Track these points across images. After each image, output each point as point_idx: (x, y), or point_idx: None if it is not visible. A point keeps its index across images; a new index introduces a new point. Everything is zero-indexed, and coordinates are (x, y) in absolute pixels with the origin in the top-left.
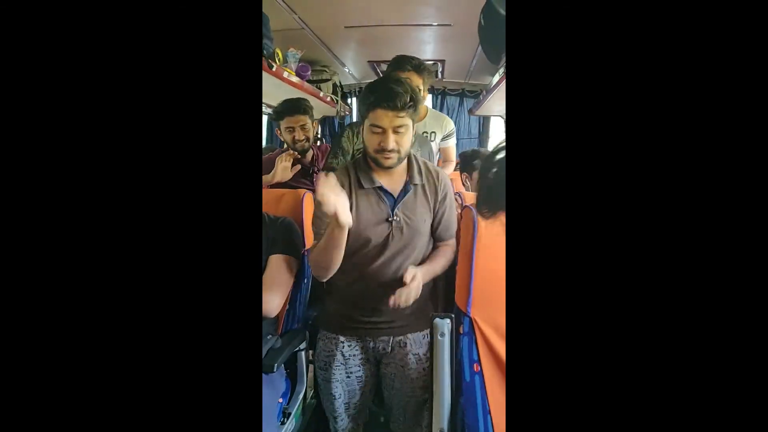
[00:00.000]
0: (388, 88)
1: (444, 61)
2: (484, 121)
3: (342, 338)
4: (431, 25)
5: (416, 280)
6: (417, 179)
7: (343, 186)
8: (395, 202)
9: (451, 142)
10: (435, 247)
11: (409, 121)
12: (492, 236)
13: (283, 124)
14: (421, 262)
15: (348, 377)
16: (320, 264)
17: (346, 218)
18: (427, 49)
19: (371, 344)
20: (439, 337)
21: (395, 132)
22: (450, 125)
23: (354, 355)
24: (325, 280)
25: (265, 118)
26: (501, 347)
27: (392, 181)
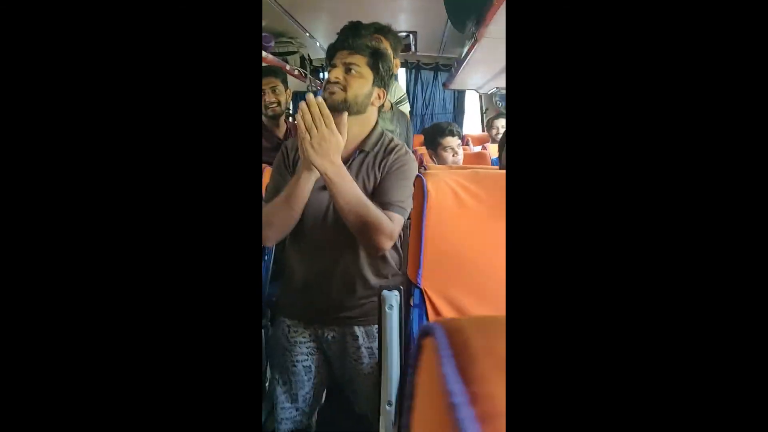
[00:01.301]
0: (344, 30)
1: (416, 33)
2: (459, 96)
3: (289, 323)
4: None
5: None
6: (368, 146)
7: (292, 149)
8: None
9: (404, 108)
10: None
11: (365, 69)
12: (443, 205)
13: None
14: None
15: (294, 366)
16: (275, 221)
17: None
18: (400, 19)
19: (320, 333)
20: (387, 310)
21: (346, 70)
22: (400, 91)
23: (301, 342)
24: (270, 245)
25: None
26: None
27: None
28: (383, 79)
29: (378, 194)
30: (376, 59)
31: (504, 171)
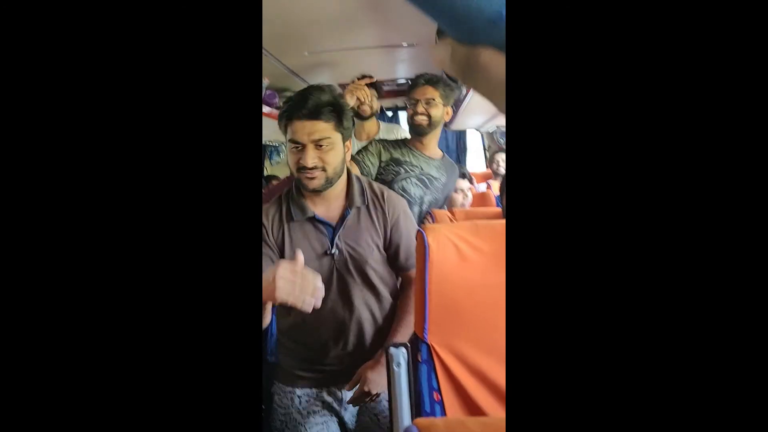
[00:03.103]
0: (301, 95)
1: (456, 81)
2: (461, 135)
3: (299, 392)
4: (398, 46)
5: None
6: (358, 201)
7: (273, 219)
8: (334, 232)
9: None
10: (401, 284)
11: (335, 135)
12: (445, 259)
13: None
14: (384, 304)
15: None
16: None
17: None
18: (399, 69)
19: (336, 395)
20: (395, 368)
21: (316, 147)
22: (404, 133)
23: (314, 412)
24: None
25: None
26: (461, 374)
27: (329, 209)
28: (349, 131)
29: (400, 258)
30: (340, 117)
31: (504, 221)
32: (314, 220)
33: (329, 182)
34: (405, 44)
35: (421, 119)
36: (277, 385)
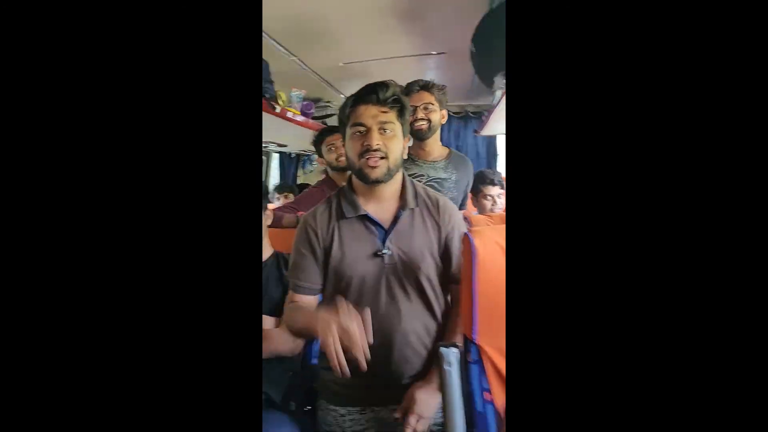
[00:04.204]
0: (367, 87)
1: (445, 86)
2: (491, 141)
3: (342, 411)
4: (428, 54)
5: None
6: (412, 202)
7: (322, 219)
8: (386, 233)
9: None
10: (452, 297)
11: (397, 125)
12: (492, 261)
13: (326, 142)
14: (433, 317)
15: None
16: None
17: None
18: (428, 76)
19: (379, 415)
20: (446, 368)
21: (381, 131)
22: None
23: (358, 431)
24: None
25: (276, 156)
26: None
27: (382, 209)
28: (407, 127)
29: (450, 268)
30: (403, 111)
31: None
32: (366, 219)
33: (389, 173)
34: (434, 52)
35: (422, 124)
36: (320, 400)
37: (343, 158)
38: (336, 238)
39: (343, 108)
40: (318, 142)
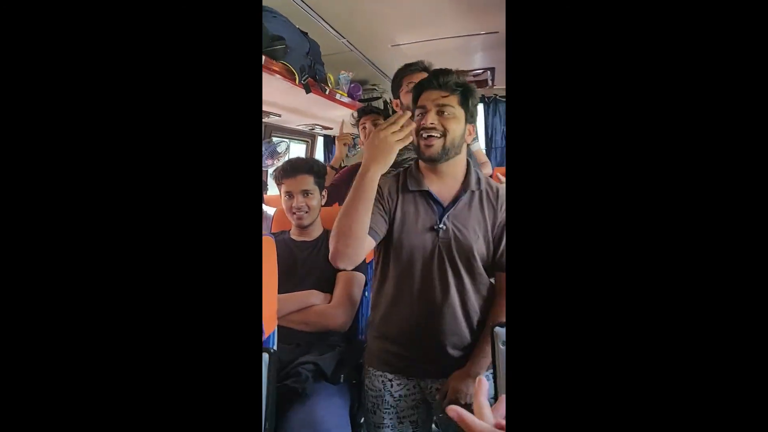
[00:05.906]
0: (435, 73)
1: (494, 68)
2: None
3: (390, 376)
4: (477, 34)
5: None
6: (474, 185)
7: (390, 189)
8: (444, 210)
9: (478, 145)
10: (497, 284)
11: (458, 108)
12: None
13: (360, 123)
14: (479, 297)
15: (401, 423)
16: (341, 232)
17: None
18: (476, 59)
19: (425, 385)
20: (500, 346)
21: (438, 113)
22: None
23: (406, 396)
24: (345, 267)
25: (320, 139)
26: None
27: (444, 187)
28: (473, 115)
29: (497, 255)
30: (467, 96)
31: None
32: (428, 195)
33: (445, 152)
34: (483, 32)
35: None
36: (367, 368)
37: None
38: (399, 206)
39: (414, 97)
40: (356, 123)
